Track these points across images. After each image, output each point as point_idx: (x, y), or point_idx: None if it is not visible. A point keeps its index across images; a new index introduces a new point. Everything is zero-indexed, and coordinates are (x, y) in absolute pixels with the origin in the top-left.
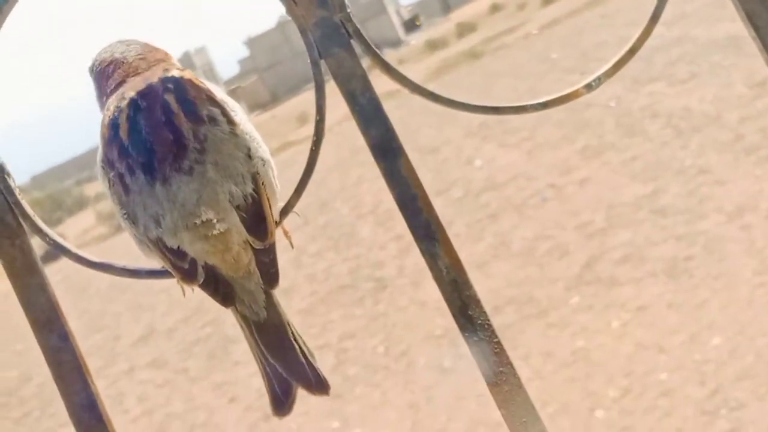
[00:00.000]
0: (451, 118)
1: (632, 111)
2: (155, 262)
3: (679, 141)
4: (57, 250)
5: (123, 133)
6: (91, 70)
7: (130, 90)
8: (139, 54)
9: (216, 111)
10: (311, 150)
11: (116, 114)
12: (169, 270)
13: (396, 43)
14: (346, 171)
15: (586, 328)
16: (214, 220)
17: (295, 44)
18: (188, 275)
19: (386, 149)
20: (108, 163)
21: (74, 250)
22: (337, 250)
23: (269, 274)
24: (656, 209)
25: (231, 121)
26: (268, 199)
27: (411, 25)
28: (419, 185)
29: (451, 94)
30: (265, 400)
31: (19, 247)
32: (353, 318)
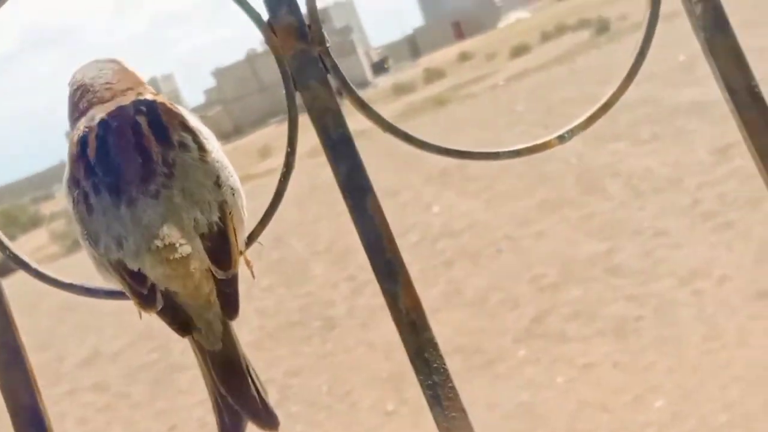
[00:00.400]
0: (412, 162)
1: (593, 168)
2: (113, 285)
3: (637, 202)
4: (16, 264)
5: (91, 152)
6: (70, 87)
7: (101, 111)
8: (108, 82)
9: (187, 137)
10: (280, 181)
11: (85, 132)
12: (128, 294)
13: (363, 84)
14: (304, 207)
15: (531, 382)
16: (177, 244)
17: (262, 78)
18: (147, 301)
19: (355, 186)
20: (73, 181)
21: (34, 265)
22: (289, 286)
23: (230, 304)
24: (610, 268)
25: (202, 148)
26: (234, 228)
27: (379, 68)
28: (385, 225)
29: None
30: (206, 430)
31: None
32: (300, 355)
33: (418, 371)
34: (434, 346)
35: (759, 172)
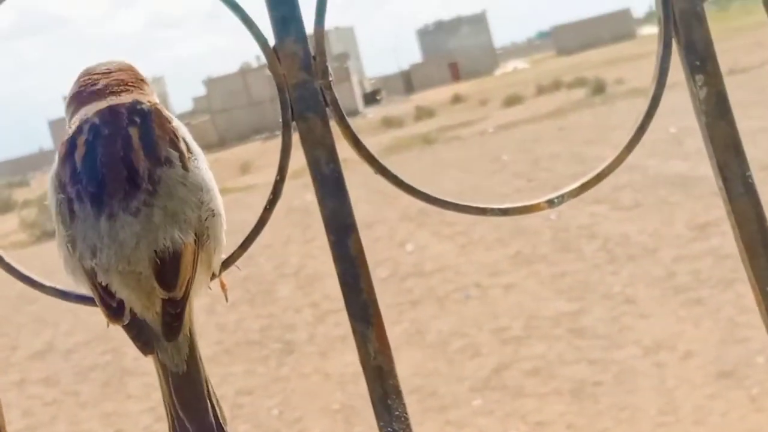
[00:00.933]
0: (391, 197)
1: (571, 227)
2: (83, 290)
3: (611, 266)
4: None
5: (78, 157)
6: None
7: (94, 114)
8: (110, 75)
9: (174, 154)
10: (265, 209)
11: (76, 135)
12: (97, 303)
13: (353, 113)
14: (276, 229)
15: None
16: (144, 274)
17: (252, 94)
18: (114, 314)
19: (340, 223)
20: (59, 183)
21: (7, 259)
22: (252, 305)
23: (169, 326)
24: (575, 329)
25: (185, 167)
26: (195, 251)
27: (371, 98)
28: (365, 267)
29: (399, 175)
30: None
31: None
32: (254, 375)
33: (378, 416)
34: (398, 393)
35: (742, 262)
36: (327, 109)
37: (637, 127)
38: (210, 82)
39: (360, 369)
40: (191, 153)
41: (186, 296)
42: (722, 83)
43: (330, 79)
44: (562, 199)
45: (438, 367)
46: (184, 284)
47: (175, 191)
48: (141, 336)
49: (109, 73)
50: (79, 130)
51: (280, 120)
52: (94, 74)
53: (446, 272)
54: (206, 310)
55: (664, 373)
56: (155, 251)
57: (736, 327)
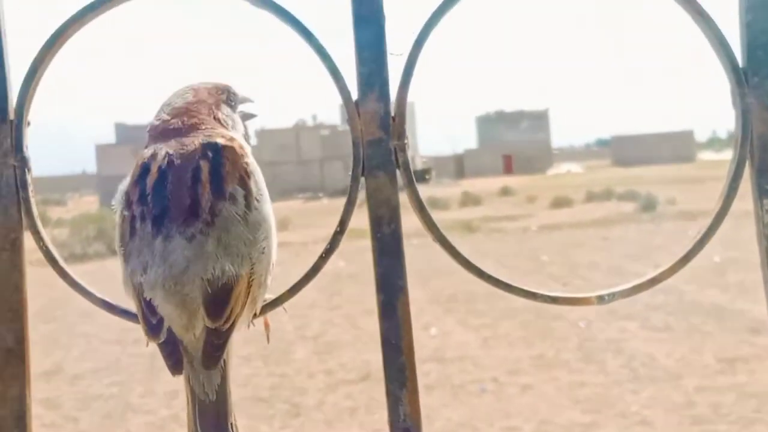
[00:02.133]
0: (422, 279)
1: (598, 339)
2: (131, 305)
3: (632, 385)
4: (46, 258)
5: (149, 181)
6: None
7: (171, 145)
8: (184, 112)
9: (240, 191)
10: (321, 257)
11: (150, 160)
12: (139, 319)
13: (399, 188)
14: (304, 290)
15: None
16: (189, 295)
17: (302, 152)
18: (153, 330)
19: (392, 284)
20: (127, 200)
21: (62, 263)
22: (267, 362)
23: (211, 355)
24: None
25: (248, 205)
26: (249, 288)
27: (420, 177)
28: (409, 331)
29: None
30: None
31: (12, 241)
32: None
33: None
34: None
35: None
36: (397, 170)
37: (696, 241)
38: (262, 133)
39: None
40: (260, 192)
41: (231, 328)
42: None
43: (405, 141)
44: (612, 297)
45: None
46: (232, 316)
47: (232, 226)
48: (173, 356)
49: (188, 106)
50: (153, 156)
51: (349, 173)
52: (174, 106)
53: (466, 362)
54: None
55: None
56: (206, 279)
57: None
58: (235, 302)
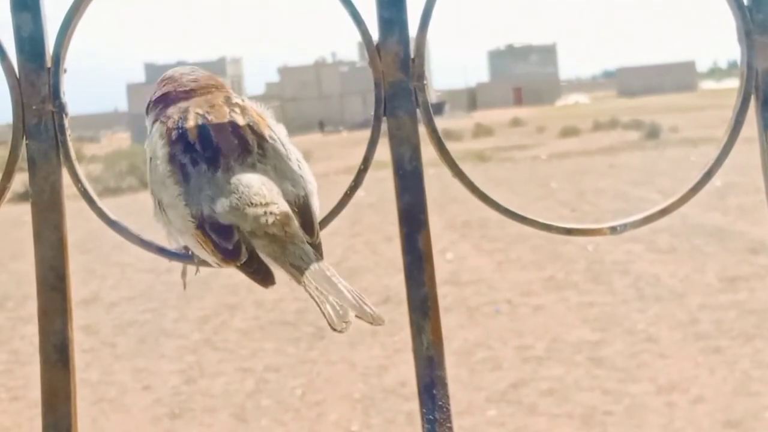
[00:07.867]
0: (439, 206)
1: (605, 261)
2: (188, 244)
3: (638, 304)
4: (84, 198)
5: (191, 135)
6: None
7: (195, 107)
8: (195, 79)
9: (274, 135)
10: (346, 194)
11: (181, 121)
12: (208, 252)
13: (417, 120)
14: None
15: None
16: (274, 201)
17: (323, 87)
18: (230, 255)
19: (414, 218)
20: (170, 157)
21: (99, 203)
22: (291, 287)
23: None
24: (595, 358)
25: (284, 145)
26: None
27: (436, 109)
28: (430, 261)
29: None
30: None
31: (51, 183)
32: (284, 354)
33: (422, 404)
34: (444, 385)
35: None
36: (417, 109)
37: (705, 172)
38: (284, 71)
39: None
40: (283, 140)
41: (320, 241)
42: None
43: (425, 82)
44: (624, 227)
45: (459, 374)
46: (317, 230)
47: (282, 159)
48: (260, 271)
49: (195, 76)
50: (183, 118)
51: (372, 114)
52: (181, 77)
53: (480, 285)
54: (245, 287)
55: (673, 413)
56: (289, 200)
57: (750, 380)
58: (314, 216)
